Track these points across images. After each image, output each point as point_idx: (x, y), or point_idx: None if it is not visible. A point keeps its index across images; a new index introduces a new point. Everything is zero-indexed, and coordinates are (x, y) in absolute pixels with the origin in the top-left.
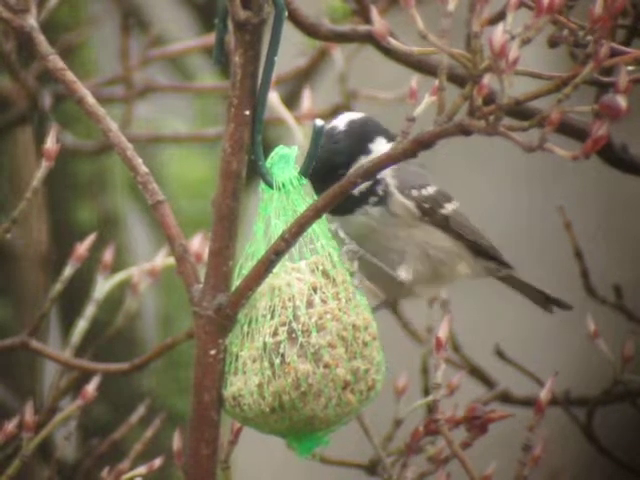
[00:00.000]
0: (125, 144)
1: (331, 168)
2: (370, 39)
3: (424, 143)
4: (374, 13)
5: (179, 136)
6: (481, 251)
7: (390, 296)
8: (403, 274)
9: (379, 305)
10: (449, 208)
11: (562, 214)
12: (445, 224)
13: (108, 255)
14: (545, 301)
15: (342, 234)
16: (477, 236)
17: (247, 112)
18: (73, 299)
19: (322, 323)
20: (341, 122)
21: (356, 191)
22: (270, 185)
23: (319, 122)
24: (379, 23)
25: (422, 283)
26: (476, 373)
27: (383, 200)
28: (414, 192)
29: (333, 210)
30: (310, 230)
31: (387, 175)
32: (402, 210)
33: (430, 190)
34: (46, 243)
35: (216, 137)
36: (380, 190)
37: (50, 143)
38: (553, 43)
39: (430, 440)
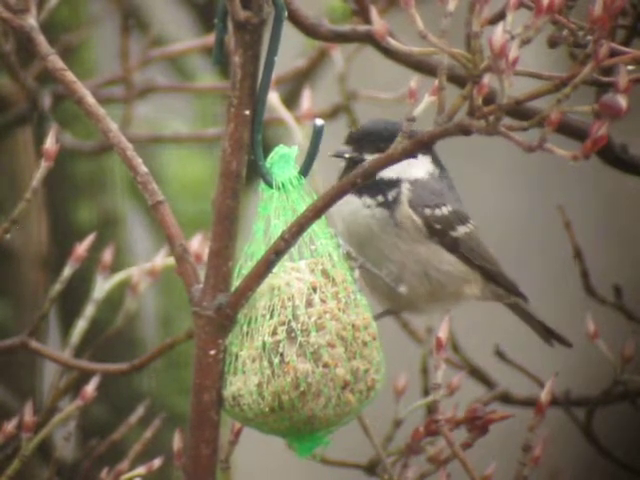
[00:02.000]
0: (125, 144)
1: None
2: (370, 39)
3: (424, 143)
4: (374, 13)
5: (179, 136)
6: (491, 277)
7: (393, 307)
8: (403, 288)
9: (382, 313)
10: (461, 231)
11: (562, 214)
12: (454, 246)
13: (107, 255)
14: (546, 334)
15: (342, 241)
16: (487, 262)
17: (247, 112)
18: (73, 299)
19: (321, 322)
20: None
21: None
22: (270, 185)
23: (319, 122)
24: (379, 23)
25: (422, 301)
26: (476, 373)
27: (391, 206)
28: (427, 211)
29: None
30: (310, 230)
31: (405, 185)
32: (408, 224)
33: (444, 211)
34: (46, 243)
35: (216, 137)
36: (390, 195)
37: (49, 143)
38: (553, 43)
39: (430, 440)
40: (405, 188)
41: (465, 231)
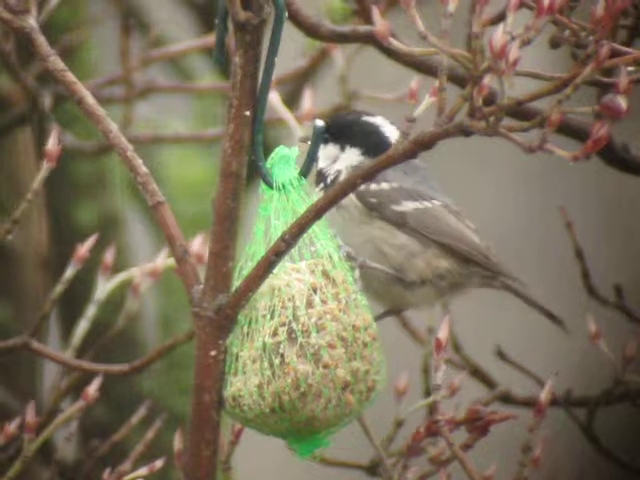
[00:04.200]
0: (125, 145)
1: None
2: (371, 39)
3: (424, 144)
4: (376, 13)
5: (179, 136)
6: (463, 256)
7: (392, 306)
8: (409, 276)
9: (383, 314)
10: (409, 206)
11: (563, 214)
12: (401, 221)
13: (109, 256)
14: (553, 319)
15: (340, 241)
16: (452, 238)
17: (247, 112)
18: (71, 300)
19: (322, 323)
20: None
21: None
22: (270, 186)
23: (319, 122)
24: (380, 24)
25: (389, 283)
26: (477, 374)
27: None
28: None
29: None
30: (310, 231)
31: (344, 170)
32: (346, 202)
33: (384, 185)
34: (46, 244)
35: (216, 137)
36: (329, 180)
37: (51, 144)
38: (555, 44)
39: (431, 441)
40: (344, 172)
41: (416, 207)
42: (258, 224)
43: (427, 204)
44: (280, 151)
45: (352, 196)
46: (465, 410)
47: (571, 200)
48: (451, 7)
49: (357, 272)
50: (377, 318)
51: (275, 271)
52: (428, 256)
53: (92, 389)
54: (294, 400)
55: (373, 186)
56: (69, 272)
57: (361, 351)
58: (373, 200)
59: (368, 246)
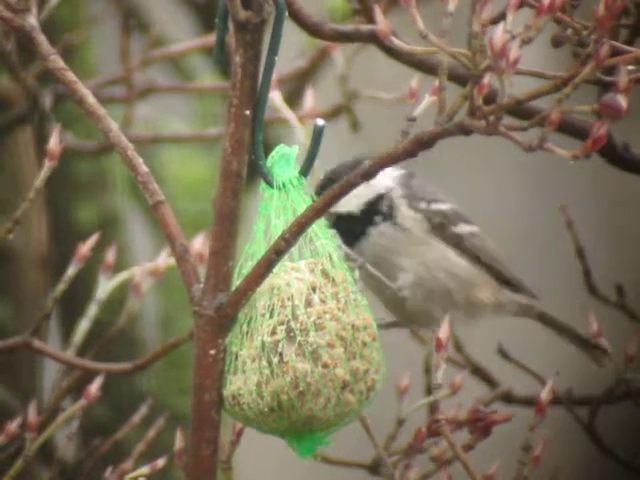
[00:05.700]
0: (125, 144)
1: None
2: (373, 39)
3: (424, 143)
4: (378, 13)
5: (179, 136)
6: (505, 280)
7: (404, 319)
8: (406, 291)
9: (390, 323)
10: (465, 229)
11: (564, 213)
12: (458, 244)
13: (110, 255)
14: (585, 346)
15: (339, 241)
16: (498, 263)
17: (247, 112)
18: (70, 299)
19: (321, 322)
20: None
21: (358, 212)
22: (270, 185)
23: (320, 121)
24: (382, 23)
25: (435, 308)
26: (479, 373)
27: (389, 215)
28: (422, 204)
29: (348, 239)
30: (310, 230)
31: (393, 190)
32: (410, 223)
33: (442, 206)
34: (46, 243)
35: (216, 137)
36: (384, 206)
37: (53, 143)
38: (557, 43)
39: (433, 440)
40: (396, 191)
41: (470, 230)
42: (258, 223)
43: (474, 228)
44: (280, 150)
45: (416, 214)
46: (467, 410)
47: (571, 199)
48: (451, 6)
49: (357, 272)
50: (382, 327)
51: (275, 270)
52: (473, 288)
53: (94, 388)
54: (293, 399)
55: (433, 206)
56: (70, 271)
57: (360, 350)
58: (436, 220)
59: (424, 270)
